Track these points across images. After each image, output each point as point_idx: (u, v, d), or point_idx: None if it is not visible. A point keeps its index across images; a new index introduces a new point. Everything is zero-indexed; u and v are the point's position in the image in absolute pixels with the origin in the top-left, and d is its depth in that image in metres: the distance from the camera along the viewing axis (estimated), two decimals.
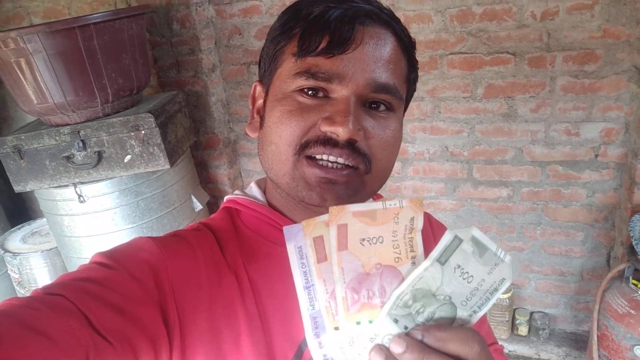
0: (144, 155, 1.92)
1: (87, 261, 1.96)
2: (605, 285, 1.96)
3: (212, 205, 2.62)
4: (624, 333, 1.85)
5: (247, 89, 2.49)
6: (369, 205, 0.51)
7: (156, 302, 0.56)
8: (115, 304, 0.52)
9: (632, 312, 1.83)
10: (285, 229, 0.51)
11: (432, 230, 0.81)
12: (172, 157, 1.99)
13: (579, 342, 2.39)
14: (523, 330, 2.45)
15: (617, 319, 1.88)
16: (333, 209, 0.50)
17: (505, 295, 2.36)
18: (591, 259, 2.28)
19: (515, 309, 2.48)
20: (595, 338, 1.98)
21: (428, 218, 0.84)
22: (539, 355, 2.41)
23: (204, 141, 2.52)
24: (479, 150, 2.23)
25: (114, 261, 0.57)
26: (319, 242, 0.51)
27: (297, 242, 0.51)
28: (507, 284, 0.52)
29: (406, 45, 0.64)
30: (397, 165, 2.28)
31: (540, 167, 2.18)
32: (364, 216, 0.51)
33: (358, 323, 0.52)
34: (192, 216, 2.26)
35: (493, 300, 0.52)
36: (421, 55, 2.13)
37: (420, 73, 2.21)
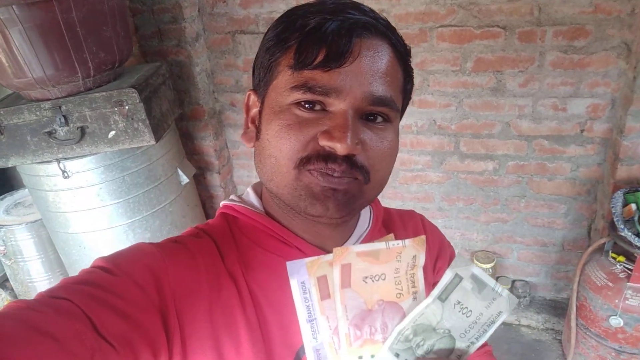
0: (129, 131, 1.88)
1: (73, 236, 1.95)
2: (585, 259, 2.02)
3: (198, 177, 2.60)
4: (601, 304, 1.93)
5: (232, 59, 2.43)
6: (373, 245, 0.52)
7: (157, 309, 0.56)
8: (119, 309, 0.52)
9: (610, 284, 1.90)
10: (289, 264, 0.52)
11: (424, 233, 0.82)
12: (157, 132, 1.95)
13: (558, 309, 2.48)
14: None
15: (595, 290, 1.95)
16: (337, 250, 0.51)
17: (488, 265, 2.42)
18: (572, 230, 2.33)
19: (497, 277, 2.55)
20: (574, 308, 2.06)
21: (421, 220, 0.85)
22: (519, 321, 2.50)
23: (188, 112, 2.48)
24: (467, 124, 2.23)
25: (116, 267, 0.57)
26: (322, 281, 0.52)
27: (300, 277, 0.52)
28: (504, 317, 0.54)
29: (402, 55, 0.63)
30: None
31: (526, 141, 2.19)
32: (367, 256, 0.52)
33: (360, 357, 0.54)
34: (178, 190, 2.25)
35: (491, 332, 0.55)
36: (410, 28, 2.09)
37: (409, 46, 2.16)
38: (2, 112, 1.83)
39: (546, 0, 1.88)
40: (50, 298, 0.50)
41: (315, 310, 0.53)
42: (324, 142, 0.57)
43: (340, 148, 0.56)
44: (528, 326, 2.49)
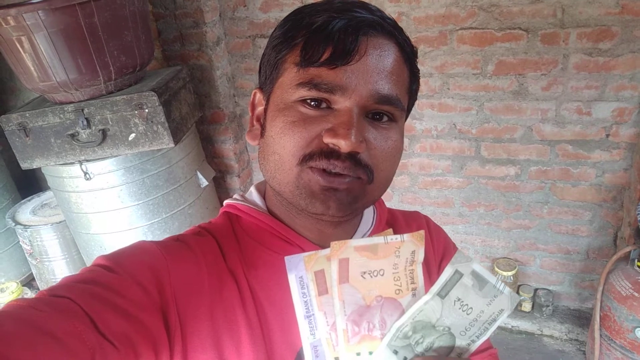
0: (148, 133, 1.91)
1: (94, 236, 1.99)
2: (610, 267, 1.95)
3: (218, 180, 2.63)
4: (626, 315, 1.86)
5: (253, 63, 2.45)
6: (371, 240, 0.52)
7: (158, 308, 0.57)
8: (120, 308, 0.53)
9: (636, 294, 1.83)
10: (287, 259, 0.52)
11: (429, 234, 0.81)
12: (177, 135, 1.98)
13: (582, 319, 2.41)
14: (527, 306, 2.47)
15: (620, 300, 1.88)
16: (335, 244, 0.51)
17: (510, 273, 2.36)
18: (598, 238, 2.27)
19: (519, 286, 2.49)
20: (598, 318, 1.99)
21: (426, 221, 0.84)
22: (541, 331, 2.44)
23: (209, 116, 2.51)
24: (488, 128, 2.19)
25: (118, 265, 0.57)
26: (320, 276, 0.52)
27: (298, 272, 0.52)
28: (506, 315, 0.53)
29: (408, 55, 0.63)
30: (404, 142, 2.25)
31: (549, 146, 2.14)
32: (365, 250, 0.51)
33: (358, 354, 0.53)
34: (198, 192, 2.27)
35: (492, 330, 0.53)
36: (430, 30, 2.07)
37: (429, 49, 2.14)
38: (27, 115, 1.89)
39: (570, 2, 1.84)
40: (51, 297, 0.50)
41: (313, 306, 0.53)
42: (328, 140, 0.56)
43: (344, 145, 0.55)
44: (551, 336, 2.42)
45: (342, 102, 0.57)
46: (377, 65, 0.58)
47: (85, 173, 1.96)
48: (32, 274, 2.80)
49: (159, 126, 1.90)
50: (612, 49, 1.87)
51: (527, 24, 1.94)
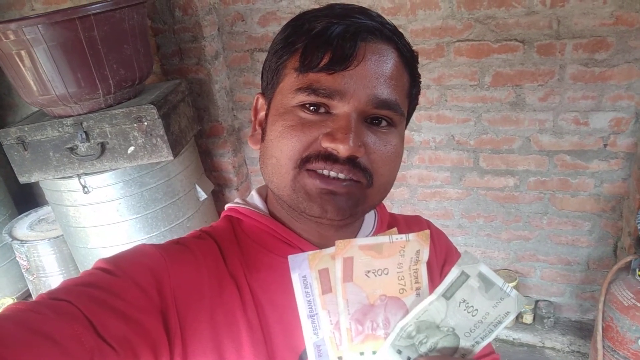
0: (147, 146, 1.91)
1: (92, 251, 1.98)
2: (611, 277, 1.95)
3: (217, 194, 2.62)
4: (629, 325, 1.85)
5: (251, 76, 2.46)
6: (376, 239, 0.52)
7: (158, 310, 0.57)
8: (120, 311, 0.52)
9: (638, 304, 1.82)
10: (290, 258, 0.52)
11: (431, 238, 0.81)
12: (176, 148, 1.98)
13: (584, 330, 2.39)
14: (528, 318, 2.46)
15: (622, 310, 1.87)
16: (339, 243, 0.51)
17: (511, 284, 2.35)
18: (598, 248, 2.26)
19: None
20: (600, 329, 1.98)
21: (428, 225, 0.84)
22: (543, 344, 2.42)
23: (207, 129, 2.51)
24: (486, 139, 2.20)
25: (118, 268, 0.57)
26: (324, 275, 0.52)
27: (302, 271, 0.52)
28: (511, 317, 0.53)
29: (408, 60, 0.64)
30: (403, 154, 2.26)
31: (547, 156, 2.15)
32: (370, 249, 0.52)
33: (362, 353, 0.53)
34: (196, 206, 2.26)
35: (497, 332, 0.53)
36: (427, 43, 2.09)
37: (426, 61, 2.15)
38: (26, 129, 1.89)
39: (565, 13, 1.86)
40: (50, 300, 0.51)
41: (316, 305, 0.53)
42: (326, 144, 0.57)
43: (342, 149, 0.56)
44: (553, 348, 2.40)
45: (340, 107, 0.58)
46: (375, 70, 0.58)
47: (84, 186, 1.96)
48: (28, 289, 2.78)
49: (158, 139, 1.90)
50: (607, 60, 1.89)
51: (523, 36, 1.96)
